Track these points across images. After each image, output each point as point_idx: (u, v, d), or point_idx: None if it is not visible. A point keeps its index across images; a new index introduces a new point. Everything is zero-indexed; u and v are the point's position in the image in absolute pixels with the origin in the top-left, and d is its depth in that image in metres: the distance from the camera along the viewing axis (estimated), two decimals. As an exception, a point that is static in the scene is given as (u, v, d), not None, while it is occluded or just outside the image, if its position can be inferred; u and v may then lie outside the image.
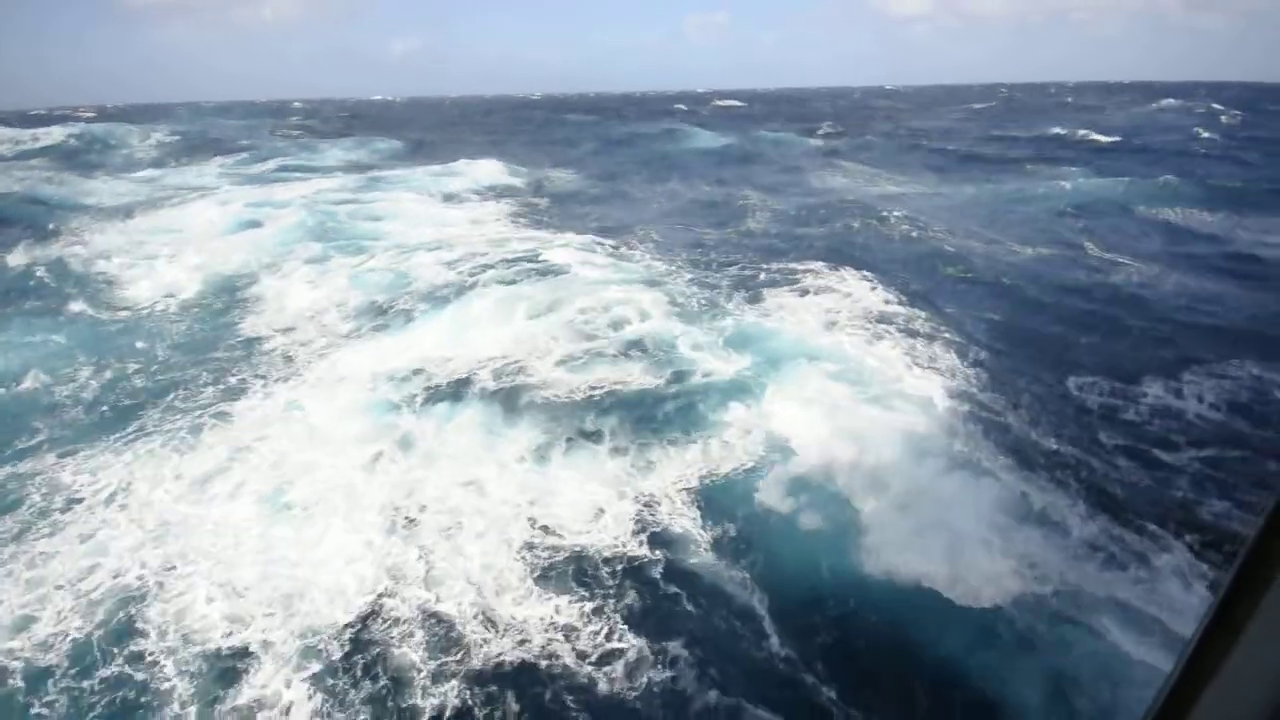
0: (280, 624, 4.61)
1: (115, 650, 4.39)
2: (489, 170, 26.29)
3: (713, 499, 5.86)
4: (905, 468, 6.15)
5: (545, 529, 5.47)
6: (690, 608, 4.87)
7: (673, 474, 6.14)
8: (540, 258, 12.00)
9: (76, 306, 11.20)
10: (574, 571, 5.12)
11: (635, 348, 8.41)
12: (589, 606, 4.82)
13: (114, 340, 9.66)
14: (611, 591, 4.95)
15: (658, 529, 5.52)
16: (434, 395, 7.39)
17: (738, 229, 15.38)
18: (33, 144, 40.05)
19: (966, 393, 7.25)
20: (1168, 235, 14.43)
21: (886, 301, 9.82)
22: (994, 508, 5.71)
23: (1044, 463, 6.10)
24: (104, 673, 4.25)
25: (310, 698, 4.14)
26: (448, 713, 4.06)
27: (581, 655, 4.45)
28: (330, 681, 4.25)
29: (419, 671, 4.30)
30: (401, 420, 6.93)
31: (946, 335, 8.54)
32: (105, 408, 7.65)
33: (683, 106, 72.06)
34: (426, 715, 4.05)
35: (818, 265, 11.59)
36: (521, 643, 4.51)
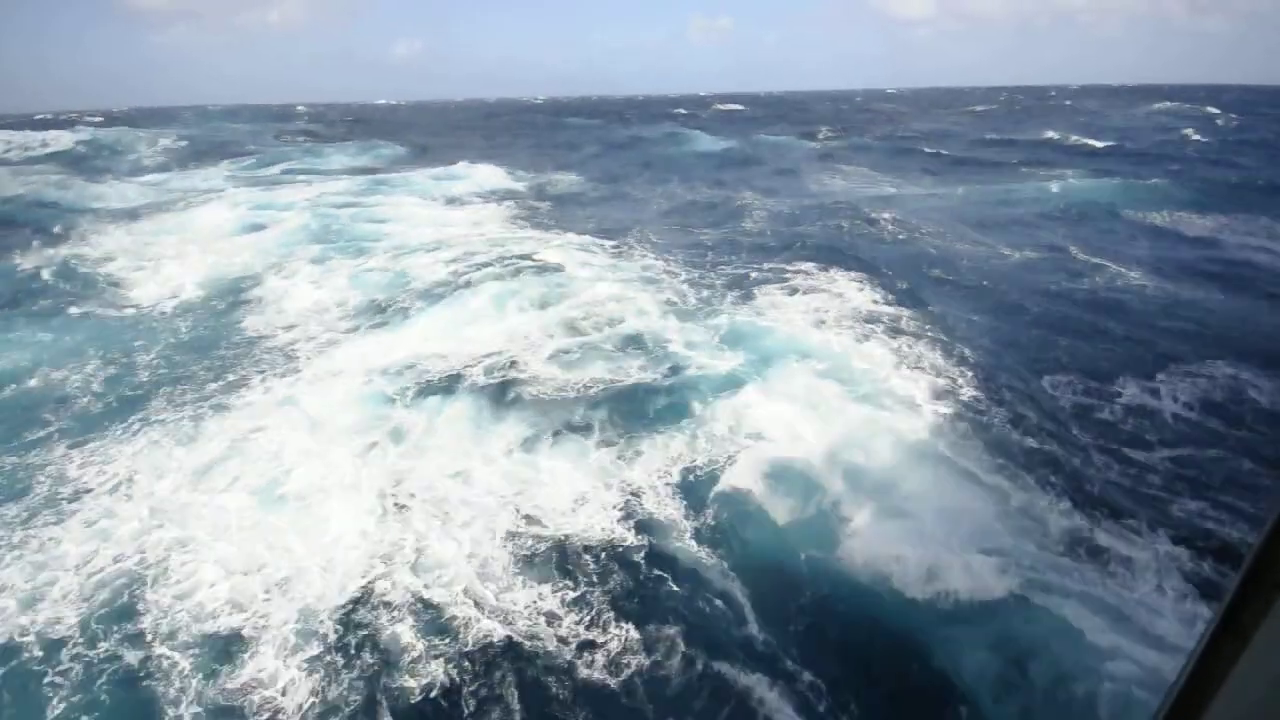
0: (277, 606, 4.81)
1: (118, 628, 4.60)
2: (491, 174, 26.62)
3: (697, 490, 6.03)
4: (887, 463, 6.32)
5: (531, 518, 5.64)
6: (672, 593, 5.02)
7: (658, 465, 6.31)
8: (538, 257, 12.25)
9: (85, 306, 11.49)
10: (559, 558, 5.28)
11: (628, 343, 8.61)
12: (573, 592, 4.99)
13: (120, 337, 9.94)
14: (596, 578, 5.11)
15: (642, 518, 5.69)
16: (428, 389, 7.60)
17: (734, 230, 15.60)
18: (41, 149, 40.58)
19: (950, 391, 7.42)
20: (1152, 238, 14.58)
21: (876, 302, 10.02)
22: (971, 502, 5.88)
23: (1023, 460, 6.20)
24: (108, 649, 4.46)
25: (306, 675, 4.32)
26: (435, 691, 4.23)
27: (563, 639, 4.62)
28: (324, 660, 4.44)
29: (407, 652, 4.48)
30: (396, 413, 7.16)
31: (931, 335, 8.73)
32: (112, 400, 7.92)
33: (683, 110, 72.36)
34: (415, 692, 4.23)
35: (810, 266, 11.79)
36: (506, 626, 4.68)
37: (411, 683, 4.29)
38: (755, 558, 5.39)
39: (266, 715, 4.07)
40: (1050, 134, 35.81)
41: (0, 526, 5.61)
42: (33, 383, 8.44)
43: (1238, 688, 0.74)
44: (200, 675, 4.32)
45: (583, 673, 4.39)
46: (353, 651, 4.49)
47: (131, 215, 18.74)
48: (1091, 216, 16.13)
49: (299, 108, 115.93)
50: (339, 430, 6.81)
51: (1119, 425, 7.06)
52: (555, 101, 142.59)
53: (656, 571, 5.20)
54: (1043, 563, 5.20)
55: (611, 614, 4.82)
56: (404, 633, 4.61)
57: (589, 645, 4.60)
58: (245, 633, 4.61)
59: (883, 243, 13.61)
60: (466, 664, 4.41)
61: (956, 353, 8.21)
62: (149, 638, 4.53)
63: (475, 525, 5.53)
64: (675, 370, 7.91)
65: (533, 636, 4.62)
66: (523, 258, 12.25)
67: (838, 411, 7.12)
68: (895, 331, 8.86)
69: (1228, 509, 5.84)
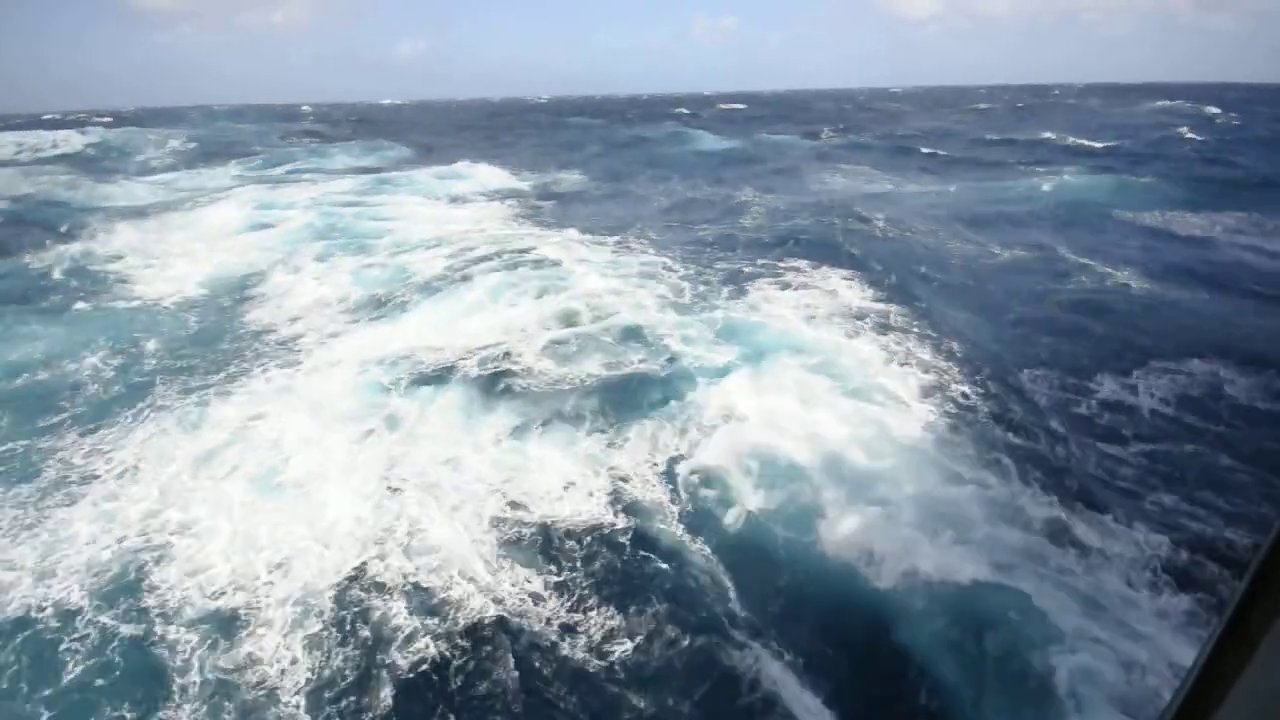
0: (278, 584, 5.02)
1: (127, 603, 4.84)
2: (494, 173, 26.91)
3: (683, 477, 6.21)
4: (871, 455, 6.46)
5: (520, 503, 5.85)
6: (656, 574, 5.19)
7: (646, 453, 6.51)
8: (537, 253, 12.50)
9: (95, 301, 11.82)
10: (547, 542, 5.47)
11: (622, 336, 8.80)
12: (560, 574, 5.17)
13: (129, 331, 10.25)
14: (583, 560, 5.30)
15: (629, 503, 5.87)
16: (424, 379, 7.84)
17: (732, 226, 15.79)
18: (51, 150, 41.10)
19: (937, 386, 7.57)
20: (1140, 236, 14.68)
21: (868, 298, 10.20)
22: (951, 493, 6.01)
23: (1004, 453, 6.32)
24: (118, 621, 4.71)
25: (304, 650, 4.53)
26: (425, 666, 4.43)
27: (549, 618, 4.80)
28: (321, 635, 4.65)
29: (399, 629, 4.67)
30: (392, 402, 7.40)
31: (919, 331, 8.89)
32: (120, 389, 8.23)
33: (685, 110, 72.50)
34: (406, 668, 4.42)
35: (806, 262, 11.96)
36: (494, 606, 4.86)
37: (402, 660, 4.47)
38: (738, 542, 5.56)
39: (266, 686, 4.29)
40: (1047, 134, 35.85)
41: (15, 506, 5.90)
42: (45, 374, 8.75)
43: (1245, 693, 0.72)
44: (205, 648, 4.54)
45: (566, 650, 4.58)
46: (348, 628, 4.70)
47: (141, 214, 19.13)
48: (1082, 215, 16.26)
49: (304, 108, 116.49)
50: (337, 419, 7.06)
51: (1098, 420, 7.21)
52: (559, 101, 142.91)
53: (641, 554, 5.38)
54: (1019, 552, 5.33)
55: (597, 594, 5.01)
56: (396, 611, 4.81)
57: (574, 623, 4.79)
58: (247, 610, 4.83)
59: (877, 240, 13.78)
60: (455, 641, 4.61)
61: (944, 348, 8.36)
62: (157, 613, 4.77)
63: (465, 509, 5.74)
64: (667, 362, 8.10)
65: (521, 615, 4.81)
66: (522, 253, 12.50)
67: (825, 405, 7.30)
68: (884, 328, 9.04)
69: (1202, 504, 5.98)
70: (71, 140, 45.11)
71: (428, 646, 4.56)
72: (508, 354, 8.21)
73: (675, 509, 5.88)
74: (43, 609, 4.75)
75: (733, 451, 6.46)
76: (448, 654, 4.51)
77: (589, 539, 5.51)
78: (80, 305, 11.49)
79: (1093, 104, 64.60)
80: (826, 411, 7.18)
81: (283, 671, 4.40)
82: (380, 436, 6.77)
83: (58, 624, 4.64)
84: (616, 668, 4.49)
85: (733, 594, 5.10)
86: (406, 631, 4.67)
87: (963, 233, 14.80)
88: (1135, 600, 5.06)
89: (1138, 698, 4.17)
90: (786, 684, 4.46)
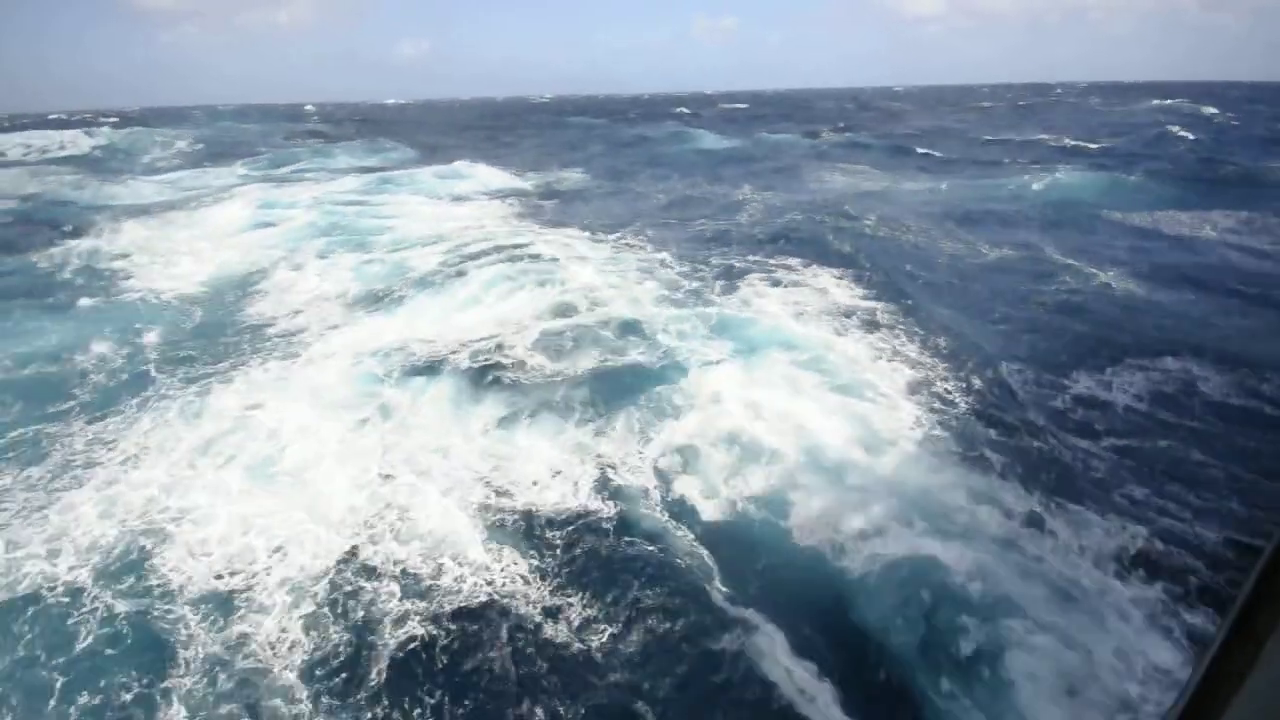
0: (274, 567, 5.21)
1: (132, 581, 5.07)
2: (496, 172, 27.15)
3: (668, 465, 6.38)
4: (854, 446, 6.58)
5: (508, 490, 6.03)
6: (639, 556, 5.32)
7: (633, 443, 6.67)
8: (535, 250, 12.71)
9: (102, 296, 12.11)
10: (535, 527, 5.62)
11: (614, 330, 8.97)
12: (546, 557, 5.33)
13: (134, 325, 10.51)
14: (569, 543, 5.45)
15: (614, 489, 6.04)
16: (418, 371, 8.06)
17: (728, 224, 15.96)
18: (59, 151, 41.53)
19: (922, 382, 7.73)
20: (1127, 236, 14.79)
21: (857, 296, 10.38)
22: (929, 483, 6.18)
23: (983, 447, 6.47)
24: (124, 598, 4.93)
25: (300, 630, 4.70)
26: (414, 644, 4.58)
27: (533, 600, 4.95)
28: (315, 615, 4.82)
29: (391, 611, 4.82)
30: (387, 392, 7.62)
31: (905, 328, 9.07)
32: (125, 378, 8.53)
33: (686, 110, 72.70)
34: (394, 647, 4.57)
35: (800, 259, 12.14)
36: (481, 588, 5.02)
37: (393, 639, 4.63)
38: (720, 528, 5.70)
39: (263, 660, 4.48)
40: (1043, 133, 35.97)
41: (26, 489, 6.16)
42: (54, 366, 9.03)
43: (1253, 692, 0.72)
44: (206, 624, 4.74)
45: (550, 631, 4.73)
46: (341, 607, 4.88)
47: (148, 213, 19.43)
48: (1071, 214, 16.37)
49: (307, 107, 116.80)
50: (334, 409, 7.30)
51: (1076, 416, 7.30)
52: (562, 100, 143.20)
53: (626, 538, 5.55)
54: (992, 540, 5.47)
55: (582, 576, 5.17)
56: (387, 592, 4.99)
57: (559, 605, 4.95)
58: (246, 589, 5.03)
59: (868, 238, 13.95)
60: (445, 622, 4.77)
61: (930, 345, 8.52)
62: (160, 591, 4.98)
63: (455, 495, 5.95)
64: (658, 355, 8.28)
65: (508, 596, 4.98)
66: (520, 249, 12.73)
67: (812, 398, 7.46)
68: (872, 325, 9.23)
69: (1172, 497, 6.06)
70: (79, 141, 45.57)
71: (418, 626, 4.72)
72: (500, 346, 8.43)
73: (660, 495, 6.04)
74: (53, 585, 4.99)
75: (718, 441, 6.62)
76: (437, 633, 4.67)
77: (575, 524, 5.67)
78: (88, 300, 11.78)
79: (1093, 103, 64.49)
80: (812, 404, 7.34)
81: (279, 647, 4.58)
82: (375, 426, 7.00)
83: (67, 599, 4.87)
84: (599, 646, 4.63)
85: (713, 577, 5.22)
86: (398, 612, 4.83)
87: (953, 231, 14.97)
88: (1105, 588, 5.16)
89: (1094, 682, 4.27)
90: (764, 663, 4.58)
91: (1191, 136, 30.15)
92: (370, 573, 5.18)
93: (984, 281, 11.71)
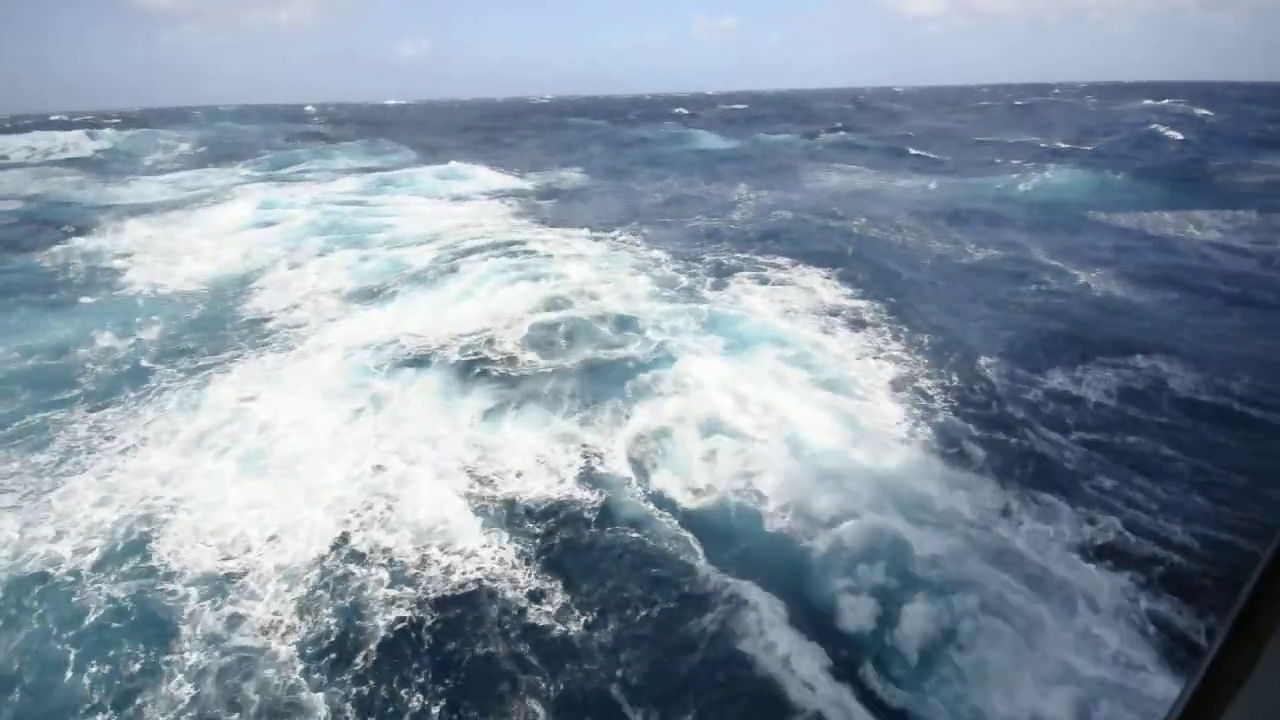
0: (268, 552, 5.38)
1: (134, 563, 5.28)
2: (496, 172, 27.42)
3: (652, 454, 6.55)
4: (837, 438, 6.77)
5: (494, 479, 6.19)
6: (622, 544, 5.48)
7: (618, 433, 6.83)
8: (531, 247, 12.94)
9: (105, 293, 12.40)
10: (520, 514, 5.77)
11: (604, 324, 9.17)
12: (531, 543, 5.48)
13: (137, 320, 10.78)
14: (555, 529, 5.62)
15: (599, 477, 6.21)
16: (412, 364, 8.29)
17: (723, 222, 16.17)
18: (61, 154, 41.84)
19: (906, 378, 7.91)
20: (1111, 235, 14.95)
21: (844, 295, 10.59)
22: (906, 473, 6.39)
23: (965, 439, 6.65)
24: (127, 577, 5.14)
25: (293, 608, 4.88)
26: (403, 625, 4.74)
27: (519, 584, 5.09)
28: (308, 597, 4.99)
29: (380, 595, 4.98)
30: (380, 385, 7.85)
31: (889, 326, 9.28)
32: (127, 371, 8.80)
33: (686, 111, 72.87)
34: (382, 628, 4.74)
35: (791, 258, 12.35)
36: (467, 574, 5.16)
37: (379, 621, 4.78)
38: (702, 514, 5.85)
39: (258, 639, 4.66)
40: (1035, 133, 36.12)
41: (34, 474, 6.42)
42: (58, 359, 9.30)
43: (1254, 693, 0.71)
44: (206, 603, 4.91)
45: (533, 614, 4.87)
46: (333, 591, 5.04)
47: (151, 212, 19.71)
48: (1056, 214, 16.55)
49: (307, 108, 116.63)
50: (327, 400, 7.54)
51: (1052, 412, 7.39)
52: (562, 101, 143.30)
53: (609, 524, 5.71)
54: (966, 527, 5.62)
55: (566, 561, 5.32)
56: (377, 577, 5.13)
57: (543, 588, 5.09)
58: (241, 572, 5.21)
59: (858, 238, 14.17)
60: (432, 605, 4.91)
61: (913, 343, 8.71)
62: (162, 573, 5.16)
63: (445, 483, 6.15)
64: (646, 349, 8.48)
65: (494, 579, 5.13)
66: (516, 246, 12.96)
67: (795, 391, 7.65)
68: (858, 323, 9.44)
69: (1141, 490, 6.17)
70: (82, 143, 45.88)
71: (407, 609, 4.87)
72: (491, 341, 8.68)
73: (643, 482, 6.22)
74: (61, 564, 5.22)
75: (702, 431, 6.79)
76: (425, 616, 4.81)
77: (560, 510, 5.84)
78: (92, 296, 12.08)
79: (1089, 103, 64.55)
80: (797, 398, 7.52)
81: (274, 628, 4.75)
82: (367, 416, 7.23)
83: (74, 578, 5.10)
84: (582, 626, 4.78)
85: (694, 560, 5.35)
86: (388, 595, 4.97)
87: (940, 231, 15.17)
88: (1073, 575, 5.29)
89: (1059, 664, 4.40)
90: (741, 642, 4.69)
91: (1180, 137, 30.20)
92: (360, 558, 5.33)
93: (968, 281, 11.91)
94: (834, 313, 9.85)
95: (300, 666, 4.50)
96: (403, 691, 4.37)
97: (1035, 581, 5.14)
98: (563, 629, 4.81)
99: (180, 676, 4.39)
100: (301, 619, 4.85)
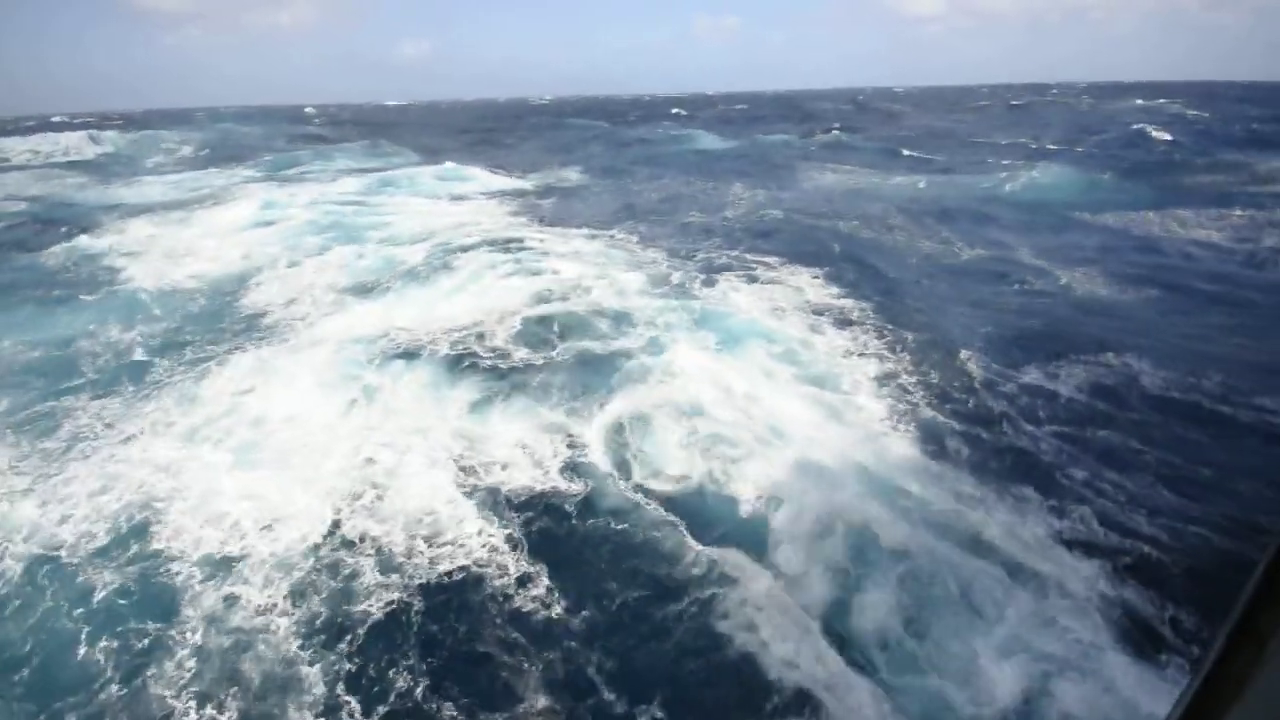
0: (263, 539, 5.56)
1: (136, 546, 5.51)
2: (495, 172, 27.69)
3: (635, 445, 6.73)
4: (820, 431, 6.99)
5: (482, 468, 6.38)
6: (606, 531, 5.65)
7: (605, 424, 6.98)
8: (526, 245, 13.19)
9: (108, 289, 12.69)
10: (506, 502, 5.92)
11: (595, 319, 9.37)
12: (518, 530, 5.64)
13: (137, 316, 11.06)
14: (541, 518, 5.80)
15: (584, 468, 6.39)
16: (405, 357, 8.52)
17: (717, 221, 16.36)
18: (63, 157, 42.17)
19: (890, 374, 8.10)
20: (1095, 234, 15.11)
21: (831, 293, 10.78)
22: (885, 464, 6.56)
23: (946, 433, 6.84)
24: (130, 560, 5.37)
25: (287, 591, 5.08)
26: (394, 608, 4.91)
27: (507, 570, 5.25)
28: (303, 583, 5.16)
29: (368, 581, 5.16)
30: (373, 377, 8.07)
31: (874, 323, 9.48)
32: (128, 365, 9.08)
33: (685, 111, 73.12)
34: (373, 611, 4.92)
35: (783, 256, 12.57)
36: (459, 559, 5.34)
37: (370, 606, 4.95)
38: (686, 502, 6.01)
39: (255, 621, 4.87)
40: (1028, 133, 36.29)
41: (44, 460, 6.70)
42: (63, 352, 9.58)
43: (1256, 693, 0.71)
44: (207, 585, 5.11)
45: (519, 600, 5.01)
46: (325, 577, 5.20)
47: (154, 212, 19.99)
48: (1041, 214, 16.71)
49: (308, 109, 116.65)
50: (322, 392, 7.78)
51: (1028, 406, 7.59)
52: (562, 101, 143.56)
53: (594, 509, 5.88)
54: (942, 517, 5.79)
55: (553, 549, 5.47)
56: (367, 565, 5.29)
57: (530, 572, 5.25)
58: (240, 558, 5.40)
59: (848, 237, 14.39)
60: (419, 591, 5.06)
61: (899, 339, 8.90)
62: (164, 556, 5.36)
63: (434, 472, 6.34)
64: (636, 344, 8.69)
65: (482, 566, 5.28)
66: (511, 243, 13.23)
67: (781, 384, 7.83)
68: (843, 320, 9.65)
69: (1110, 481, 6.31)
70: (84, 147, 46.26)
71: (397, 594, 5.04)
72: (483, 335, 8.91)
73: (627, 471, 6.39)
74: (70, 544, 5.48)
75: (685, 421, 6.98)
76: (412, 600, 4.97)
77: (546, 497, 6.02)
78: (95, 294, 12.36)
79: (1084, 103, 64.64)
80: (781, 390, 7.70)
81: (269, 610, 4.95)
82: (359, 408, 7.46)
83: (81, 558, 5.35)
84: (565, 609, 4.94)
85: (677, 545, 5.50)
86: (378, 581, 5.14)
87: (928, 230, 15.36)
88: (1042, 563, 5.43)
89: (1027, 651, 4.55)
90: (720, 623, 4.88)
91: (1168, 137, 30.33)
92: (351, 545, 5.51)
93: (953, 279, 12.09)
94: (823, 310, 10.06)
95: (296, 644, 4.68)
96: (390, 671, 4.54)
97: (1007, 567, 5.31)
98: (548, 612, 4.96)
99: (183, 653, 4.60)
100: (296, 602, 5.03)
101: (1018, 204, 18.02)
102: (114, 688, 4.39)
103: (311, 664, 4.58)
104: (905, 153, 32.08)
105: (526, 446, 6.74)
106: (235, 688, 4.39)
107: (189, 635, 4.75)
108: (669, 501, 6.07)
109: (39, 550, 5.45)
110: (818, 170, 27.26)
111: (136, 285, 12.82)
